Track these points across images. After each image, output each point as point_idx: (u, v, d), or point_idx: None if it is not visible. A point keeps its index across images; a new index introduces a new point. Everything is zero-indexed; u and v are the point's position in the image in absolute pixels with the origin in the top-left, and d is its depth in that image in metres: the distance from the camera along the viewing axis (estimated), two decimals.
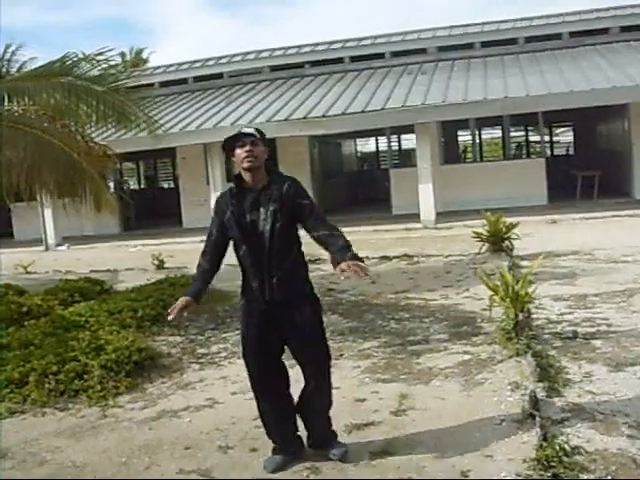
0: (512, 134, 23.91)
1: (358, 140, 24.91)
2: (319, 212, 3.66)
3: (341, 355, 5.81)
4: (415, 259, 10.87)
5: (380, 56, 18.41)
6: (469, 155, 22.66)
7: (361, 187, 22.10)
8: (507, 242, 10.43)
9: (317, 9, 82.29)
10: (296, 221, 3.64)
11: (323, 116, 14.70)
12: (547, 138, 23.03)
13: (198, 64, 19.09)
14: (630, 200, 15.21)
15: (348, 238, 3.58)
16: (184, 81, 19.15)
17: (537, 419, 4.06)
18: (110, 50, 7.38)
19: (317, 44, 18.86)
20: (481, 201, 15.54)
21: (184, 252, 12.89)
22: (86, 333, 5.85)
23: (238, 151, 3.59)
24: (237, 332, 6.72)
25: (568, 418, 4.19)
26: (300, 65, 18.73)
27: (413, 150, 23.98)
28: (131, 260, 13.15)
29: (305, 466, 3.80)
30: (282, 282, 3.61)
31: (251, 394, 4.87)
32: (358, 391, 4.91)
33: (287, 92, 17.21)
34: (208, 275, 3.78)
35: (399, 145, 24.40)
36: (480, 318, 6.75)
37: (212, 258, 3.76)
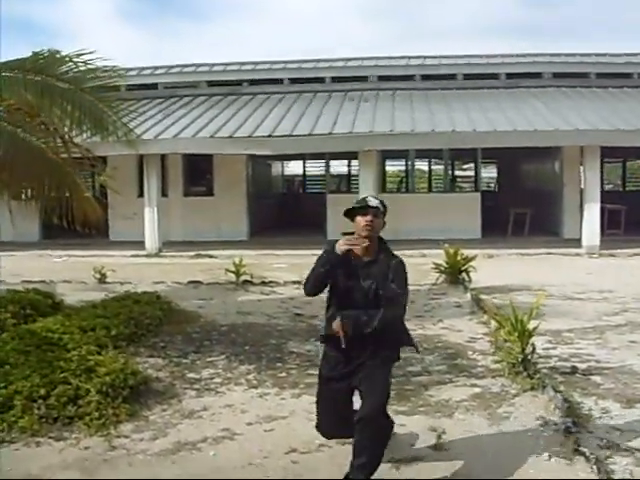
0: (434, 167, 24.67)
1: (285, 163, 24.78)
2: (397, 307, 3.83)
3: None
4: None
5: (321, 80, 18.43)
6: (403, 185, 23.05)
7: (288, 209, 21.94)
8: (463, 274, 10.53)
9: (226, 27, 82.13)
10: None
11: (269, 136, 14.48)
12: (469, 173, 23.82)
13: (133, 72, 18.35)
14: (559, 239, 15.85)
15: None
16: (116, 88, 18.34)
17: (591, 457, 4.01)
18: (91, 52, 6.88)
19: (258, 63, 18.67)
20: (417, 232, 15.78)
21: (120, 266, 12.26)
22: (73, 353, 5.31)
23: (359, 218, 3.74)
24: (223, 356, 6.41)
25: (611, 455, 4.16)
26: (239, 83, 18.44)
27: (346, 176, 24.33)
28: (61, 272, 12.33)
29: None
30: None
31: (268, 425, 4.66)
32: None
33: (227, 109, 16.87)
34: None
35: (326, 170, 24.48)
36: (470, 351, 6.70)
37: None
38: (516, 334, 5.72)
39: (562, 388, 5.37)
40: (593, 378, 5.76)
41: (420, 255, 14.48)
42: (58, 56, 7.11)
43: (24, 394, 4.75)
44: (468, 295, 9.65)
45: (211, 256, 14.76)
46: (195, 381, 5.69)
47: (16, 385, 4.82)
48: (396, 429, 4.55)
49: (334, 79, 18.41)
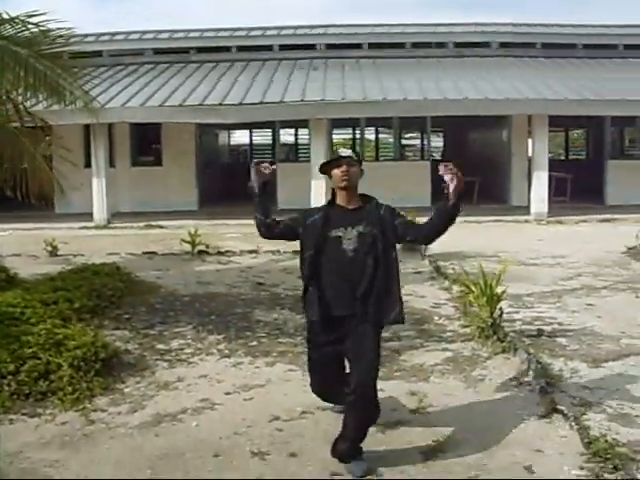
0: (382, 136, 24.75)
1: (231, 132, 24.41)
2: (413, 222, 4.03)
3: None
4: None
5: (269, 48, 18.16)
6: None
7: (235, 179, 21.67)
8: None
9: None
10: (393, 240, 3.81)
11: (220, 104, 14.20)
12: (416, 142, 23.98)
13: (76, 39, 17.66)
14: (508, 206, 16.17)
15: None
16: (58, 55, 17.66)
17: (569, 414, 4.13)
18: (43, 14, 6.55)
19: (205, 30, 18.23)
20: None
21: (70, 239, 11.96)
22: (40, 327, 5.12)
23: (335, 171, 3.78)
24: (190, 327, 6.32)
25: (585, 412, 4.29)
26: (185, 51, 17.99)
27: (294, 145, 24.16)
28: (9, 245, 11.88)
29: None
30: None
31: (247, 393, 4.63)
32: None
33: (174, 77, 16.44)
34: (271, 221, 3.94)
35: (272, 139, 24.26)
36: (436, 316, 6.79)
37: (276, 227, 3.92)
38: (484, 299, 5.81)
39: (531, 350, 5.50)
40: (558, 340, 5.91)
41: None
42: (6, 16, 6.77)
43: None
44: (426, 262, 9.76)
45: (161, 226, 14.52)
46: (165, 352, 5.59)
47: None
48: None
49: (282, 47, 18.16)
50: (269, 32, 18.27)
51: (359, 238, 3.68)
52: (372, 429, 4.00)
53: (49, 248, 10.45)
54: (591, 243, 11.57)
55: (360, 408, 3.64)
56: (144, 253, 10.79)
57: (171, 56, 17.76)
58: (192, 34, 18.09)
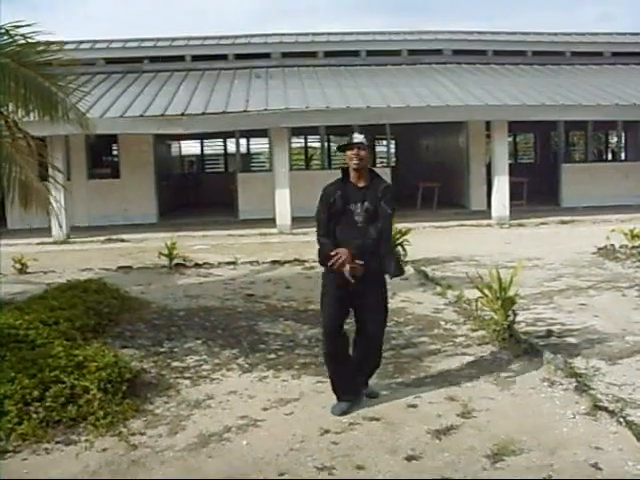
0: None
1: (182, 143, 24.06)
2: (387, 223, 4.52)
3: None
4: (307, 264, 10.69)
5: (223, 57, 17.99)
6: (316, 161, 23.08)
7: (189, 190, 21.39)
8: (398, 248, 10.65)
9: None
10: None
11: (182, 115, 13.96)
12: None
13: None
14: (468, 211, 16.46)
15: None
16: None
17: (617, 410, 4.21)
18: (29, 25, 6.27)
19: (159, 39, 17.91)
20: None
21: (31, 255, 11.45)
22: (58, 349, 4.87)
23: (348, 153, 4.48)
24: (199, 342, 6.16)
25: (624, 408, 4.37)
26: (139, 60, 17.64)
27: (247, 154, 23.95)
28: None
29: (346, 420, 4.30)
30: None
31: (285, 408, 4.53)
32: (399, 397, 4.69)
33: (130, 87, 16.10)
34: (331, 244, 4.48)
35: (224, 149, 24.04)
36: (442, 321, 6.81)
37: (329, 233, 4.51)
38: (499, 302, 5.85)
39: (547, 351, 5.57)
40: (568, 340, 6.03)
41: None
42: None
43: (15, 398, 4.31)
44: (409, 267, 9.79)
45: (123, 240, 14.19)
46: (184, 369, 5.41)
47: (3, 389, 4.37)
48: (416, 402, 4.59)
49: (238, 56, 18.03)
50: (224, 41, 18.12)
51: (365, 213, 4.44)
52: (427, 435, 4.00)
53: (18, 265, 10.03)
54: (559, 245, 11.90)
55: (371, 354, 4.70)
56: (119, 268, 10.48)
57: (124, 66, 17.38)
58: (145, 43, 17.74)
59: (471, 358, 5.56)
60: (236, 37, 18.30)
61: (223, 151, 24.27)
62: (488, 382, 4.98)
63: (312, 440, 4.03)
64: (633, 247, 10.27)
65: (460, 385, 4.93)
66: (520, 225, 14.65)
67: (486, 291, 6.00)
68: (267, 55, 18.16)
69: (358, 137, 4.49)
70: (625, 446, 3.82)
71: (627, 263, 9.66)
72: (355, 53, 18.15)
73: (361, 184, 4.50)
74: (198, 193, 20.92)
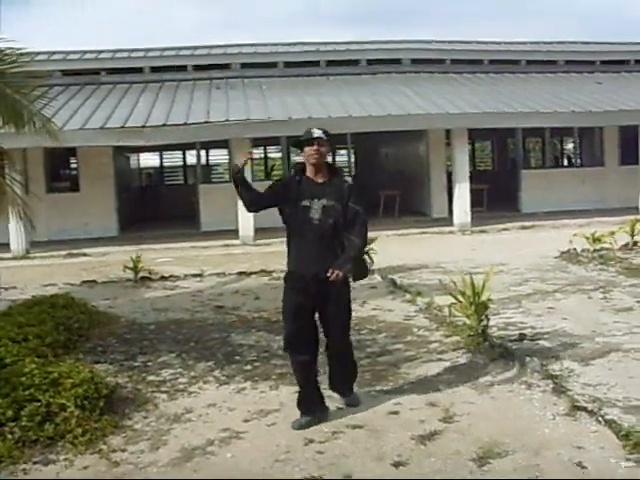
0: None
1: (140, 155, 23.78)
2: (361, 220, 4.37)
3: None
4: (274, 274, 10.65)
5: (183, 68, 17.86)
6: (277, 172, 23.04)
7: (148, 202, 21.13)
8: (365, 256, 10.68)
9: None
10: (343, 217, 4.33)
11: (144, 126, 13.80)
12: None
13: None
14: (429, 219, 16.62)
15: (350, 253, 4.36)
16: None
17: (596, 410, 4.29)
18: None
19: (116, 51, 17.69)
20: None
21: None
22: (31, 366, 4.74)
23: (307, 149, 4.29)
24: (173, 355, 6.08)
25: (601, 407, 4.45)
26: (96, 72, 17.39)
27: (205, 165, 23.76)
28: None
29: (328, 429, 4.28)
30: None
31: (266, 419, 4.49)
32: (379, 404, 4.69)
33: (89, 100, 15.85)
34: (254, 193, 4.49)
35: (183, 161, 23.84)
36: (414, 328, 6.85)
37: (259, 197, 4.49)
38: (473, 307, 5.92)
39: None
40: (541, 343, 6.11)
41: None
42: None
43: None
44: (376, 276, 9.84)
45: (85, 254, 13.96)
46: (160, 383, 5.33)
47: None
48: (397, 409, 4.61)
49: (197, 67, 17.91)
50: (183, 52, 17.99)
51: (323, 210, 4.25)
52: (412, 442, 4.01)
53: None
54: (522, 250, 12.08)
55: (343, 362, 4.63)
56: (83, 282, 10.29)
57: (82, 78, 17.11)
58: (103, 55, 17.52)
59: (447, 364, 5.60)
60: (195, 48, 18.19)
61: (182, 163, 24.06)
62: (466, 387, 5.02)
63: (297, 450, 4.00)
64: (594, 251, 10.51)
65: (439, 390, 4.96)
66: (482, 231, 14.85)
67: (459, 297, 6.06)
68: (227, 66, 18.09)
69: (317, 132, 4.30)
70: (606, 444, 3.90)
71: (590, 266, 9.88)
72: (315, 63, 18.20)
73: (320, 179, 4.34)
74: (158, 206, 20.69)
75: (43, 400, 4.39)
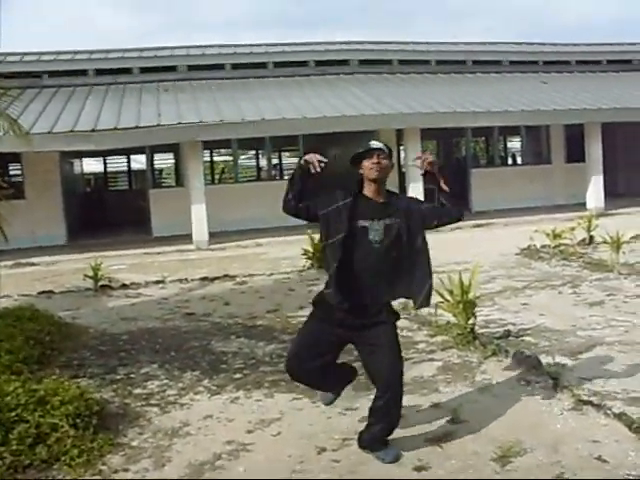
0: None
1: (84, 160, 23.09)
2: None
3: None
4: (238, 279, 10.45)
5: (128, 71, 17.40)
6: (227, 176, 22.68)
7: (93, 209, 20.51)
8: None
9: None
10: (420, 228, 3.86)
11: (93, 130, 13.36)
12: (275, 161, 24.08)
13: None
14: None
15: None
16: None
17: (601, 404, 4.31)
18: None
19: (59, 53, 17.09)
20: (241, 221, 15.70)
21: None
22: (15, 384, 4.44)
23: (366, 163, 3.76)
24: (156, 366, 5.85)
25: (602, 400, 4.48)
26: (37, 75, 16.75)
27: (157, 170, 23.24)
28: None
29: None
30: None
31: (269, 429, 4.34)
32: None
33: (32, 104, 15.24)
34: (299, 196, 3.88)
35: (128, 166, 23.25)
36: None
37: (302, 202, 3.87)
38: (461, 306, 5.90)
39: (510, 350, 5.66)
40: (527, 339, 6.15)
41: (255, 245, 14.45)
42: None
43: None
44: None
45: (33, 264, 13.42)
46: (148, 396, 5.09)
47: None
48: (402, 411, 4.50)
49: (143, 69, 17.48)
50: (129, 54, 17.52)
51: (385, 230, 3.72)
52: (427, 444, 3.96)
53: None
54: (481, 248, 12.20)
55: (394, 391, 3.79)
56: (40, 293, 9.85)
57: (22, 81, 16.41)
58: (45, 57, 16.88)
59: (440, 363, 5.56)
60: (142, 50, 17.74)
61: (127, 168, 23.48)
62: (465, 386, 4.98)
63: (311, 460, 3.87)
64: (555, 247, 10.70)
65: (439, 391, 4.91)
66: (436, 231, 14.90)
67: (447, 295, 6.03)
68: (174, 68, 17.73)
69: (376, 143, 3.82)
70: (620, 437, 3.91)
71: (552, 262, 10.06)
72: (263, 65, 18.03)
73: (381, 199, 3.79)
74: (103, 212, 20.11)
75: (32, 421, 4.11)
